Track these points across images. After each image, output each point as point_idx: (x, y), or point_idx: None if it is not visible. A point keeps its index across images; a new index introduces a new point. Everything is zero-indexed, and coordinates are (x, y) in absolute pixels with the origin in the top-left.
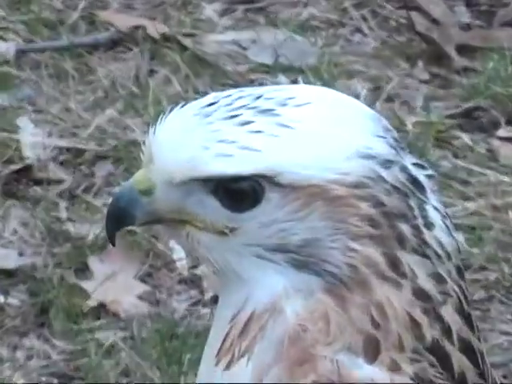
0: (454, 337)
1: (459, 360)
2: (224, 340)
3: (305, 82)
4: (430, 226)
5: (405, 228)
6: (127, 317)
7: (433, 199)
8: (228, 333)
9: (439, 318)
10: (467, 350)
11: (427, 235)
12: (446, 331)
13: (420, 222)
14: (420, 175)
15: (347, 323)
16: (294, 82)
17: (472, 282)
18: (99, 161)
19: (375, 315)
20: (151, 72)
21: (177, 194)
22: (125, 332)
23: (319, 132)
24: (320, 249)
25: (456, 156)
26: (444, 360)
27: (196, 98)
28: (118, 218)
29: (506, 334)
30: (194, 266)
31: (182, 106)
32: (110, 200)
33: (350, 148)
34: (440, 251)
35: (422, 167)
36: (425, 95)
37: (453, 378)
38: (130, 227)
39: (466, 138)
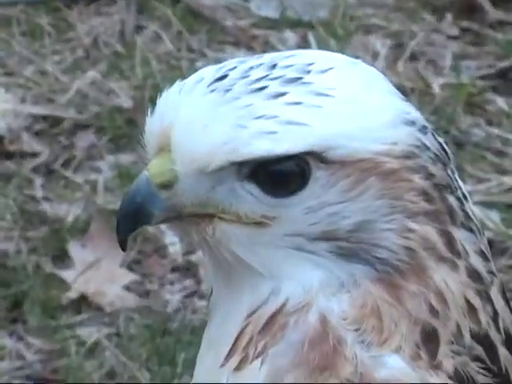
0: (500, 324)
1: (503, 352)
2: (238, 337)
3: (316, 40)
4: (465, 196)
5: (452, 200)
6: (112, 311)
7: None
8: (243, 329)
9: (490, 301)
10: (508, 341)
11: (467, 207)
12: (494, 317)
13: (459, 192)
14: (443, 142)
15: (402, 316)
16: (304, 39)
17: (509, 269)
18: (80, 130)
19: (434, 302)
20: (138, 28)
21: (204, 184)
22: (110, 328)
23: (358, 99)
24: (373, 232)
25: (490, 123)
26: (490, 351)
27: (190, 59)
28: (134, 217)
29: None
30: (189, 252)
31: (182, 82)
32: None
33: (393, 114)
34: (478, 224)
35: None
36: (454, 53)
37: (500, 372)
38: (115, 208)
39: (501, 102)
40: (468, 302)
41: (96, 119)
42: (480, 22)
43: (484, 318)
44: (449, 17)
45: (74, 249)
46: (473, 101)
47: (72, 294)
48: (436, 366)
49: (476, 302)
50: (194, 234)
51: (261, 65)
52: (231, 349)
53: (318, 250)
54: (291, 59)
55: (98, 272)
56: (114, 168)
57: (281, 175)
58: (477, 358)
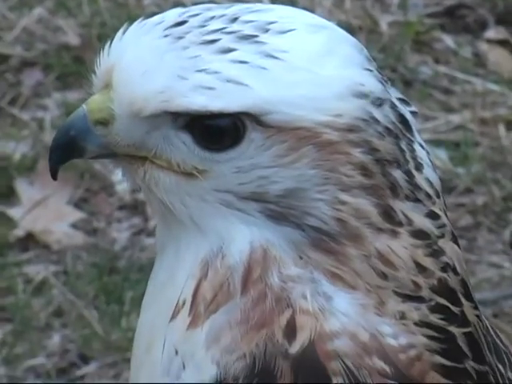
0: (458, 270)
1: (463, 296)
2: (194, 296)
3: None
4: (420, 167)
5: (398, 175)
6: (60, 248)
7: (418, 137)
8: (197, 288)
9: (441, 253)
10: (464, 285)
11: (418, 178)
12: (449, 266)
13: (411, 165)
14: (406, 111)
15: (354, 276)
16: None
17: (457, 207)
18: (26, 68)
19: (381, 267)
20: None
21: (139, 127)
22: (57, 266)
23: (309, 66)
24: (304, 201)
25: (437, 61)
26: (452, 298)
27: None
28: (66, 149)
29: (496, 266)
30: (137, 190)
31: (143, 21)
32: (59, 130)
33: (343, 85)
34: (431, 191)
35: (406, 102)
36: None
37: (462, 317)
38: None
39: (448, 40)
40: (418, 263)
41: (43, 57)
42: None
43: (439, 273)
44: None
45: (21, 187)
46: (420, 39)
47: (19, 232)
48: (401, 317)
49: (427, 261)
50: (127, 173)
51: (223, 16)
52: (177, 305)
53: (247, 209)
54: (255, 15)
55: (46, 210)
56: (62, 106)
57: (215, 130)
58: (439, 309)
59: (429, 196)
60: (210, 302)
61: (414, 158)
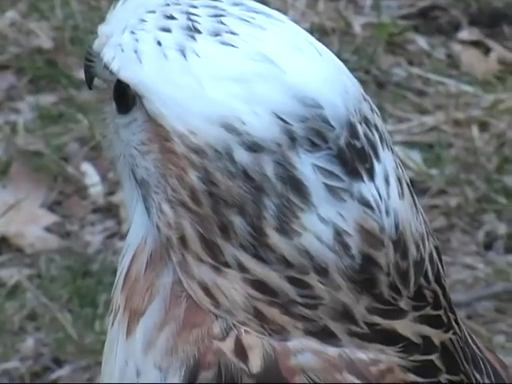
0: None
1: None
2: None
3: None
4: (290, 233)
5: (237, 221)
6: (33, 252)
7: (323, 208)
8: (124, 283)
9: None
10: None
11: (276, 241)
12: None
13: (270, 224)
14: (318, 182)
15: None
16: None
17: (430, 208)
18: None
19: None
20: None
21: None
22: (31, 269)
23: (205, 80)
24: (149, 195)
25: (411, 63)
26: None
27: (110, 0)
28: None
29: (470, 268)
30: (111, 193)
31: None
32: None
33: (218, 111)
34: (300, 261)
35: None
36: None
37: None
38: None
39: (422, 41)
40: (258, 310)
41: (16, 60)
42: None
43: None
44: None
45: None
46: (394, 40)
47: None
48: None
49: (269, 312)
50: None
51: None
52: (113, 304)
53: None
54: (245, 13)
55: (19, 213)
56: (35, 109)
57: (121, 88)
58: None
59: (288, 263)
60: (137, 302)
61: (284, 222)
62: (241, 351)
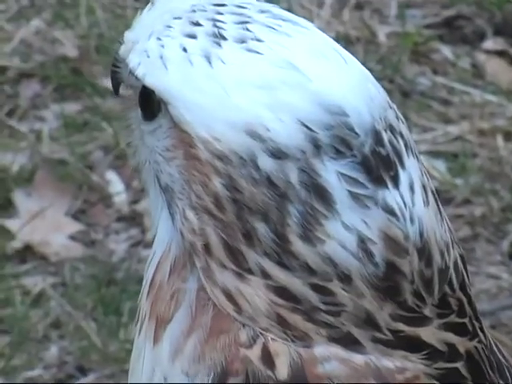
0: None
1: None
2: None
3: None
4: (313, 240)
5: (261, 228)
6: (58, 260)
7: (347, 215)
8: (149, 290)
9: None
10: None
11: (299, 248)
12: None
13: (293, 231)
14: (342, 189)
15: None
16: None
17: (455, 218)
18: (24, 79)
19: (224, 302)
20: None
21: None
22: (55, 277)
23: (230, 86)
24: (173, 201)
25: (435, 72)
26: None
27: (135, 7)
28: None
29: (495, 277)
30: (135, 202)
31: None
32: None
33: (243, 118)
34: (323, 269)
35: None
36: (399, 2)
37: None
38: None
39: (446, 51)
40: (280, 316)
41: (41, 68)
42: None
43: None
44: None
45: (18, 198)
46: (418, 50)
47: (17, 244)
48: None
49: (291, 318)
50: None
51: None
52: (140, 312)
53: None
54: (270, 20)
55: (43, 221)
56: (59, 117)
57: (146, 95)
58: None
59: (311, 270)
60: (163, 309)
61: (307, 229)
62: (268, 359)
